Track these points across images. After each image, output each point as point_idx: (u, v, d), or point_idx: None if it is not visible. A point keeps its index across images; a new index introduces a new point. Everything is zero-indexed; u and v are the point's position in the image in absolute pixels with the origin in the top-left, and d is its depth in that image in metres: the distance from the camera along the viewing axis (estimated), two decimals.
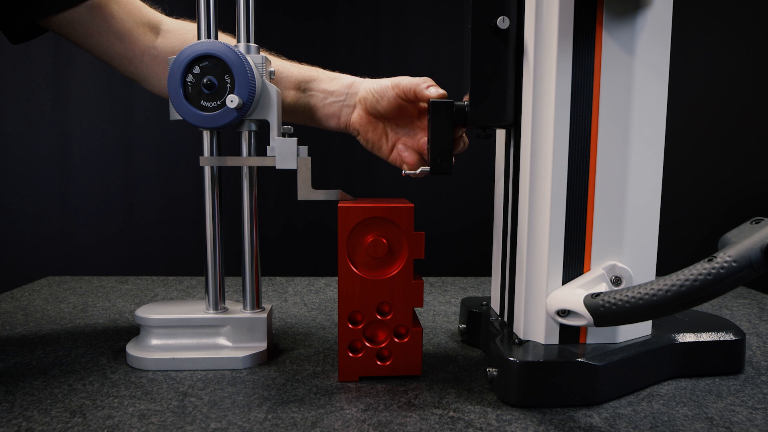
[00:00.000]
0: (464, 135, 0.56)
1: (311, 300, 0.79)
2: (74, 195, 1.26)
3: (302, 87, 0.61)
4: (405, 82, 0.56)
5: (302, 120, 0.63)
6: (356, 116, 0.60)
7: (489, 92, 0.49)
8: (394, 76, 0.58)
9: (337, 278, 0.49)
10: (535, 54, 0.46)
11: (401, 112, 0.58)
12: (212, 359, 0.52)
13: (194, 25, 0.61)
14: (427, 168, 0.52)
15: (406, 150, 0.59)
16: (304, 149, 0.52)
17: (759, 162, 1.28)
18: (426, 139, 0.56)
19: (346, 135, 0.62)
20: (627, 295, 0.39)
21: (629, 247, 0.47)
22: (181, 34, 0.60)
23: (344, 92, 0.60)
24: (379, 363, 0.50)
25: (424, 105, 0.57)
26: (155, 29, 0.60)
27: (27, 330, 0.64)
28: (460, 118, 0.50)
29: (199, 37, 0.52)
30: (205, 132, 0.53)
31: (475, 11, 0.47)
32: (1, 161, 1.25)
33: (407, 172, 0.55)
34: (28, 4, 0.55)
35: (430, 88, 0.55)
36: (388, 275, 0.49)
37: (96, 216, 1.27)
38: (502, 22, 0.47)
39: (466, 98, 0.50)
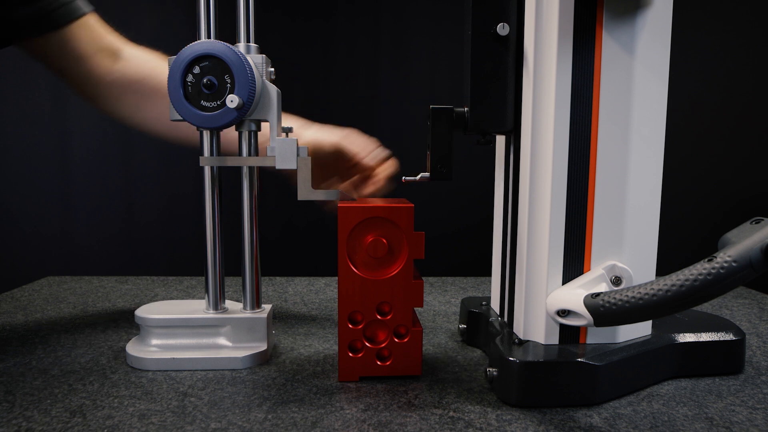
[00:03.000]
0: (377, 175, 0.60)
1: (311, 300, 0.79)
2: (74, 195, 1.27)
3: None
4: (348, 144, 0.59)
5: None
6: None
7: (489, 99, 0.49)
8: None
9: (337, 278, 0.49)
10: (535, 56, 0.46)
11: (336, 164, 0.62)
12: (212, 359, 0.52)
13: (154, 55, 0.67)
14: (427, 174, 0.52)
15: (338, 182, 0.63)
16: (304, 149, 0.52)
17: (759, 162, 1.28)
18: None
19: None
20: (627, 295, 0.39)
21: (629, 247, 0.47)
22: (138, 63, 0.65)
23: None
24: (379, 363, 0.50)
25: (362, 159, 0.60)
26: (115, 55, 0.64)
27: (27, 330, 0.64)
28: (460, 125, 0.51)
29: (198, 38, 0.52)
30: (205, 132, 0.53)
31: (474, 18, 0.47)
32: (1, 161, 1.25)
33: (407, 177, 0.56)
34: None
35: (370, 157, 0.57)
36: (388, 275, 0.49)
37: (96, 216, 1.27)
38: (502, 29, 0.47)
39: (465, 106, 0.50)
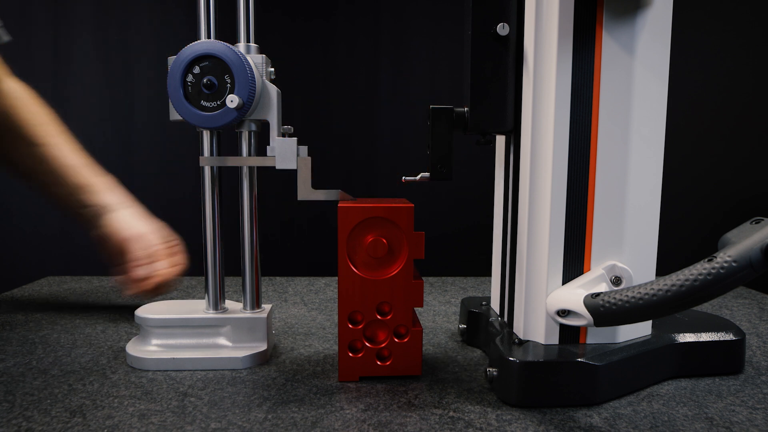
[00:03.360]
0: None
1: (311, 300, 0.79)
2: None
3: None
4: (133, 246, 0.62)
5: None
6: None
7: (489, 99, 0.49)
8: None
9: (337, 278, 0.49)
10: (535, 56, 0.46)
11: (117, 255, 0.65)
12: (212, 359, 0.52)
13: (30, 94, 0.69)
14: (427, 174, 0.52)
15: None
16: (304, 149, 0.52)
17: (759, 162, 1.28)
18: None
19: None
20: (627, 295, 0.39)
21: (629, 247, 0.47)
22: (9, 97, 0.68)
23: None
24: (379, 363, 0.50)
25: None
26: None
27: (27, 330, 0.64)
28: (460, 125, 0.51)
29: (198, 38, 0.52)
30: (205, 132, 0.53)
31: (475, 18, 0.47)
32: None
33: (407, 177, 0.55)
34: None
35: (138, 269, 0.60)
36: (388, 275, 0.49)
37: None
38: (502, 29, 0.47)
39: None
